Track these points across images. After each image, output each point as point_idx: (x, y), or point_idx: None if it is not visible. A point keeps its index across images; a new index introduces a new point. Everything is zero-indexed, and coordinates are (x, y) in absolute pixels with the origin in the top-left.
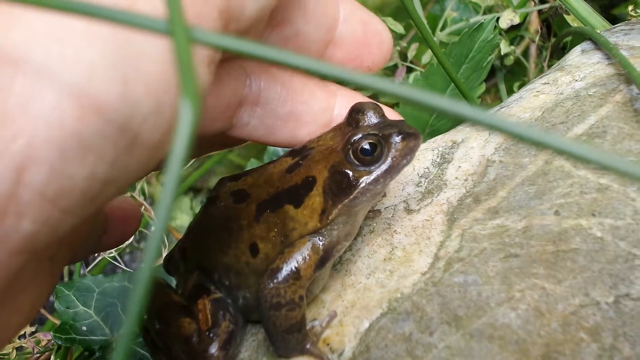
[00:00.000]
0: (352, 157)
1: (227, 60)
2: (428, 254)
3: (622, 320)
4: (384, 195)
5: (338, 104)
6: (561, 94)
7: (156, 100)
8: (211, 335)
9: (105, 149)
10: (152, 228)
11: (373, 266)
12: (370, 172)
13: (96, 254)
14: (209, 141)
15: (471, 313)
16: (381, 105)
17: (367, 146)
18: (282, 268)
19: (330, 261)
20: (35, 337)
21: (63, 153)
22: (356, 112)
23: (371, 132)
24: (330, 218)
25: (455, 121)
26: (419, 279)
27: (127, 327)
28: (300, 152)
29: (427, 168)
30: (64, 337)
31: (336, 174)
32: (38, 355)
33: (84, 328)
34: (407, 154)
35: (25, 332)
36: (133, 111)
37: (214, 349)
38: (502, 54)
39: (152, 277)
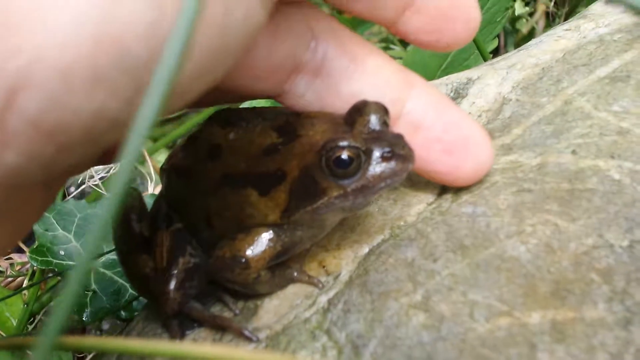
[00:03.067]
0: (324, 165)
1: (291, 11)
2: (435, 185)
3: (635, 266)
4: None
5: (413, 98)
6: (584, 38)
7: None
8: (167, 274)
9: (121, 85)
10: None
11: None
12: (340, 187)
13: (80, 181)
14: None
15: (478, 243)
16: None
17: (344, 157)
18: (227, 258)
19: (288, 255)
20: (10, 259)
21: (68, 81)
22: (356, 111)
23: (352, 144)
24: (291, 219)
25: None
26: (424, 208)
27: (85, 257)
28: (287, 133)
29: None
30: (40, 259)
31: (305, 177)
32: (11, 279)
33: (62, 252)
34: (388, 177)
35: None
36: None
37: (170, 289)
38: (516, 14)
39: (118, 208)
